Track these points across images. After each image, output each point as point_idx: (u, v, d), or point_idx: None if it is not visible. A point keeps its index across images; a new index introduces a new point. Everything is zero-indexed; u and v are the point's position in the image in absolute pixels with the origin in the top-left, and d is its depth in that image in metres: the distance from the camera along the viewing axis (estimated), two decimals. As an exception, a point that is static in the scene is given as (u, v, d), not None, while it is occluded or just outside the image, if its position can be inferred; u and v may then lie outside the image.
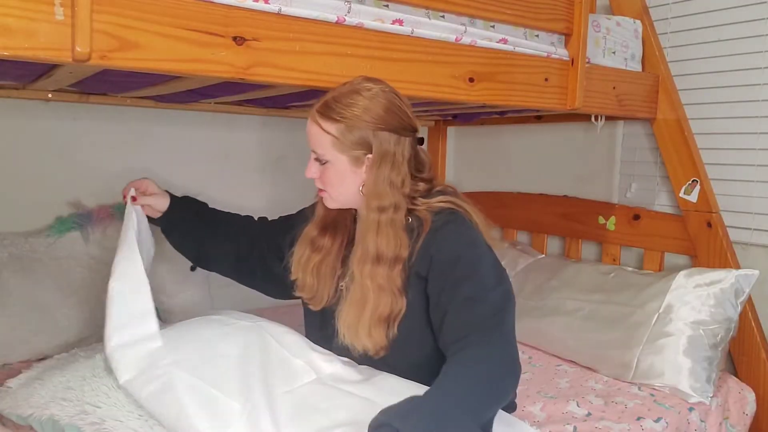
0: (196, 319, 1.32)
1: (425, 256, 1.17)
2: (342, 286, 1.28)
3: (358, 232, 1.27)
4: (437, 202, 1.22)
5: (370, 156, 1.19)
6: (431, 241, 1.18)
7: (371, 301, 1.17)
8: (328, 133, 1.18)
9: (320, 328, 1.32)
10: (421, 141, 1.27)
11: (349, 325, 1.20)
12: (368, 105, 1.17)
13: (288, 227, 1.41)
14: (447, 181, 2.78)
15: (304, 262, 1.32)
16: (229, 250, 1.47)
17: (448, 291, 1.14)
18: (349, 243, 1.31)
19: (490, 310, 1.12)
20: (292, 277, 1.35)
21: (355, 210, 1.31)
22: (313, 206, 1.39)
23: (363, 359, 1.24)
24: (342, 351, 1.25)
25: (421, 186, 1.25)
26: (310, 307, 1.34)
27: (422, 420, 0.91)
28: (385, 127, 1.18)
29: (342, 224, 1.33)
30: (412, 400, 0.96)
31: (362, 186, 1.21)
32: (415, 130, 1.24)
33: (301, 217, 1.42)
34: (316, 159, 1.22)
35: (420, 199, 1.23)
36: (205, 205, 1.52)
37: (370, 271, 1.17)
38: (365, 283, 1.17)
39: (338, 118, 1.17)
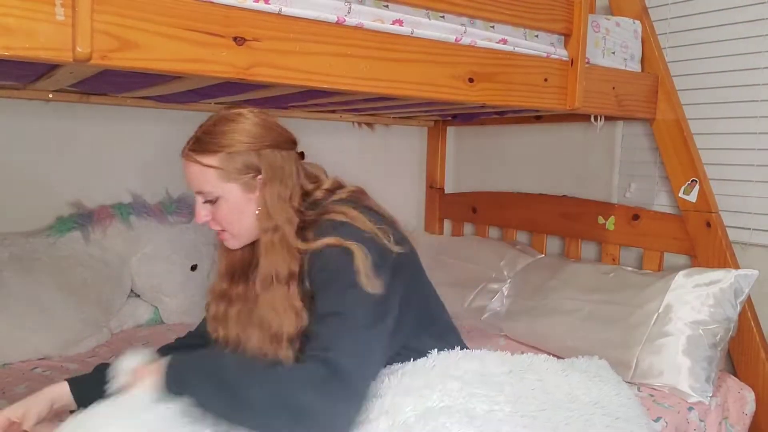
0: None
1: (310, 273, 1.12)
2: None
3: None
4: (328, 213, 1.15)
5: (260, 177, 1.14)
6: (313, 258, 1.11)
7: (274, 324, 1.11)
8: (210, 167, 1.13)
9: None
10: (301, 155, 1.23)
11: (259, 349, 1.13)
12: (243, 127, 1.14)
13: None
14: (446, 181, 2.81)
15: (221, 316, 1.24)
16: None
17: (319, 306, 1.08)
18: None
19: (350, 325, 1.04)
20: (213, 335, 1.27)
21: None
22: None
23: None
24: None
25: (319, 194, 1.20)
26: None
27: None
28: (269, 144, 1.15)
29: (251, 264, 1.24)
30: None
31: (257, 210, 1.16)
32: (295, 143, 1.21)
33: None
34: (205, 201, 1.16)
35: (309, 212, 1.18)
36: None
37: (271, 293, 1.11)
38: (266, 305, 1.12)
39: (217, 148, 1.12)
